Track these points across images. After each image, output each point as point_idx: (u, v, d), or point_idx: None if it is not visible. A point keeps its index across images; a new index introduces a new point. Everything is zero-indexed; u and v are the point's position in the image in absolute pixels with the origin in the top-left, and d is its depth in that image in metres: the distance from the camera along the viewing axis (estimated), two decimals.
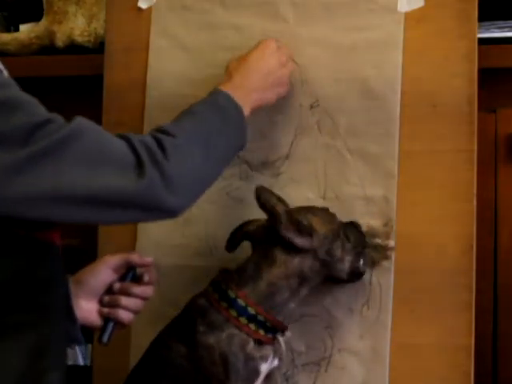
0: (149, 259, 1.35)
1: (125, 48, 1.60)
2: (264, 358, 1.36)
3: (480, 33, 1.44)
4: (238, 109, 1.30)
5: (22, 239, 1.14)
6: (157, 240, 1.53)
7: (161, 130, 1.20)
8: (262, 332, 1.34)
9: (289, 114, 1.49)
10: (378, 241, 1.42)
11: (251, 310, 1.33)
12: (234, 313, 1.33)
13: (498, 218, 1.58)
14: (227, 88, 1.31)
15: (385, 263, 1.42)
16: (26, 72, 1.60)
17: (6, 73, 1.20)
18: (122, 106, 1.59)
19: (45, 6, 1.88)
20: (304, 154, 1.47)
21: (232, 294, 1.34)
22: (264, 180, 1.48)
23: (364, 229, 1.42)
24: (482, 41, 1.43)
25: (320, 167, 1.46)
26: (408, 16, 1.44)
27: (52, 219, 1.12)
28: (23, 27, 1.95)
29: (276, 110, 1.48)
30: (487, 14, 1.53)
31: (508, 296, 1.57)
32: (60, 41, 1.86)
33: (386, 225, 1.42)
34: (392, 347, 1.41)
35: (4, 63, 1.19)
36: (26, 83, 1.16)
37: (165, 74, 1.56)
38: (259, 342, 1.35)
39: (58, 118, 1.11)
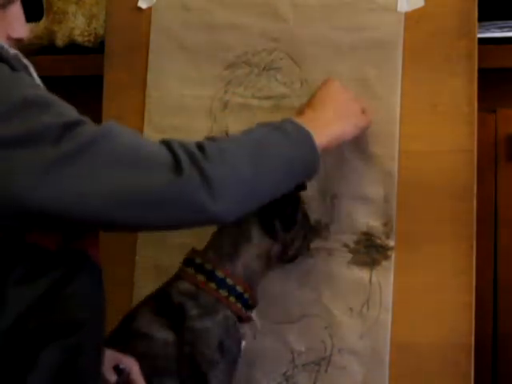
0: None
1: (125, 48, 1.60)
2: (243, 336, 1.36)
3: (480, 33, 1.44)
4: (302, 131, 1.23)
5: (53, 255, 1.12)
6: (157, 240, 1.53)
7: (206, 137, 1.17)
8: (243, 310, 1.35)
9: (289, 114, 1.48)
10: (378, 241, 1.42)
11: (239, 289, 1.33)
12: (224, 293, 1.33)
13: (498, 218, 1.58)
14: (299, 120, 1.25)
15: (385, 263, 1.42)
16: None
17: (37, 79, 1.20)
18: (121, 105, 1.59)
19: (45, 5, 1.88)
20: None
21: (221, 274, 1.33)
22: None
23: (364, 229, 1.43)
24: (481, 41, 1.43)
25: (320, 167, 1.46)
26: (408, 16, 1.44)
27: (87, 222, 1.09)
28: None
29: (276, 110, 1.48)
30: (487, 14, 1.53)
31: (508, 296, 1.57)
32: (60, 41, 1.86)
33: (385, 225, 1.42)
34: (392, 347, 1.41)
35: None
36: None
37: (165, 74, 1.56)
38: (239, 320, 1.35)
39: (89, 121, 1.09)
